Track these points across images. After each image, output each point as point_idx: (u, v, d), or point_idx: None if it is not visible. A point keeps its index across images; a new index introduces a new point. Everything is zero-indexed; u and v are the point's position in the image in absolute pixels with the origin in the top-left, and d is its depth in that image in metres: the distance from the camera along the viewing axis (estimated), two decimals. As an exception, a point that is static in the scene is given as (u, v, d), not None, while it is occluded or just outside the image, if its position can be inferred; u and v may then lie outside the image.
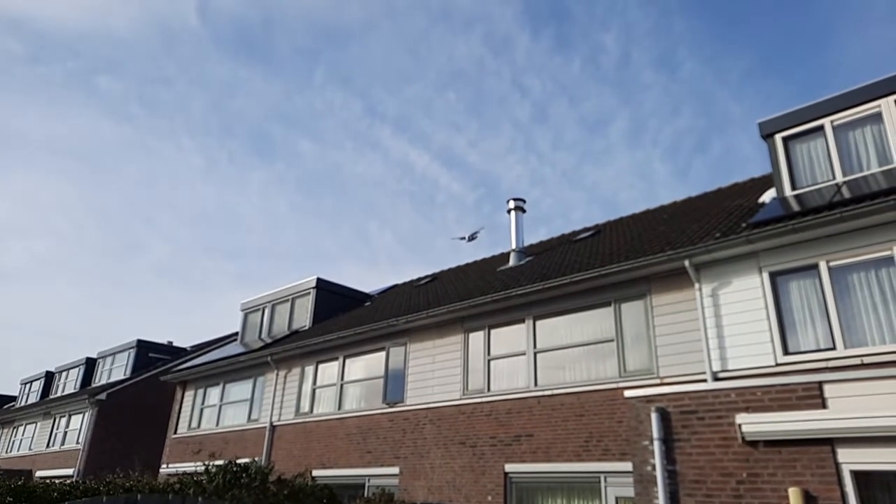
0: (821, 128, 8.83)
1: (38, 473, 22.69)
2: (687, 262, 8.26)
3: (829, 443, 5.66)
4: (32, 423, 26.60)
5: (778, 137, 9.18)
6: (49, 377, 29.65)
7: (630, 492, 7.38)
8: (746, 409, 6.18)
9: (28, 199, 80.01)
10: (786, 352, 7.42)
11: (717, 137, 79.22)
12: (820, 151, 8.78)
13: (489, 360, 10.62)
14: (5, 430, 28.72)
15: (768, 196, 9.46)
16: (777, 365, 7.37)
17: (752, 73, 76.77)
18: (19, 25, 69.25)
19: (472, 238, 14.44)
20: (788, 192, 8.84)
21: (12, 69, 74.28)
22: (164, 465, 16.57)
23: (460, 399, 10.68)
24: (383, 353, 12.41)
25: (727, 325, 7.94)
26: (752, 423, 6.05)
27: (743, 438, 6.09)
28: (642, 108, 78.60)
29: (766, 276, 7.85)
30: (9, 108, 69.79)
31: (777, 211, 8.01)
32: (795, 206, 7.87)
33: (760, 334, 7.65)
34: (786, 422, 5.85)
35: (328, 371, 13.58)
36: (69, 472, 21.38)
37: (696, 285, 8.31)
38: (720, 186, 13.00)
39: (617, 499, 8.27)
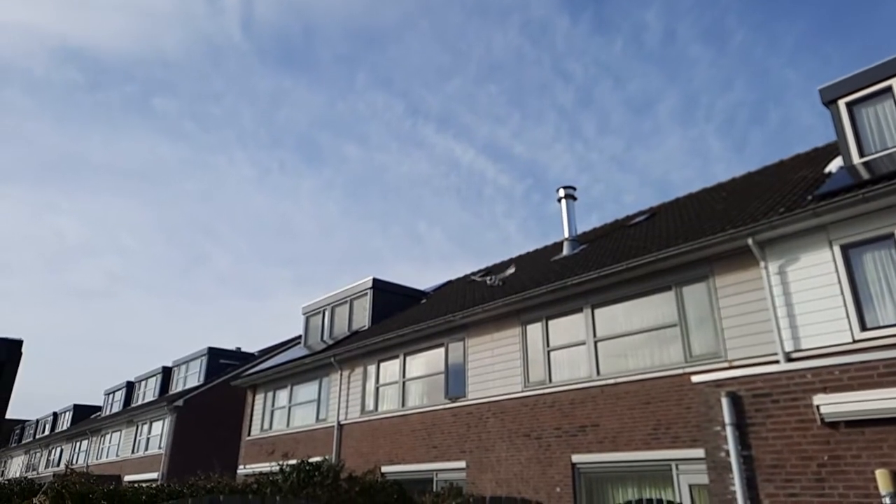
0: (888, 89, 8.33)
1: (126, 478, 24.07)
2: (750, 241, 7.96)
3: (918, 421, 5.37)
4: (118, 430, 28.25)
5: (841, 103, 8.72)
6: (129, 387, 31.41)
7: (704, 479, 7.20)
8: (824, 390, 5.93)
9: (96, 220, 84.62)
10: (863, 328, 7.06)
11: (774, 108, 75.68)
12: (888, 114, 8.29)
13: (549, 351, 10.56)
14: (94, 439, 30.59)
15: (835, 165, 9.00)
16: (854, 342, 7.02)
17: (807, 37, 72.88)
18: (78, 55, 73.13)
19: (503, 278, 14.27)
20: (856, 159, 8.38)
21: (75, 98, 78.58)
22: (241, 467, 17.27)
23: (522, 391, 10.66)
24: (442, 349, 12.53)
25: (798, 304, 7.61)
26: (832, 404, 5.80)
27: (822, 420, 5.85)
28: (692, 84, 75.88)
29: (837, 249, 7.47)
30: (74, 134, 73.95)
31: (845, 180, 7.61)
32: (865, 174, 7.46)
33: (835, 311, 7.30)
34: (868, 401, 5.59)
35: (390, 369, 13.82)
36: (154, 475, 22.60)
37: (762, 263, 8.00)
38: (782, 159, 12.44)
39: (690, 486, 8.09)
